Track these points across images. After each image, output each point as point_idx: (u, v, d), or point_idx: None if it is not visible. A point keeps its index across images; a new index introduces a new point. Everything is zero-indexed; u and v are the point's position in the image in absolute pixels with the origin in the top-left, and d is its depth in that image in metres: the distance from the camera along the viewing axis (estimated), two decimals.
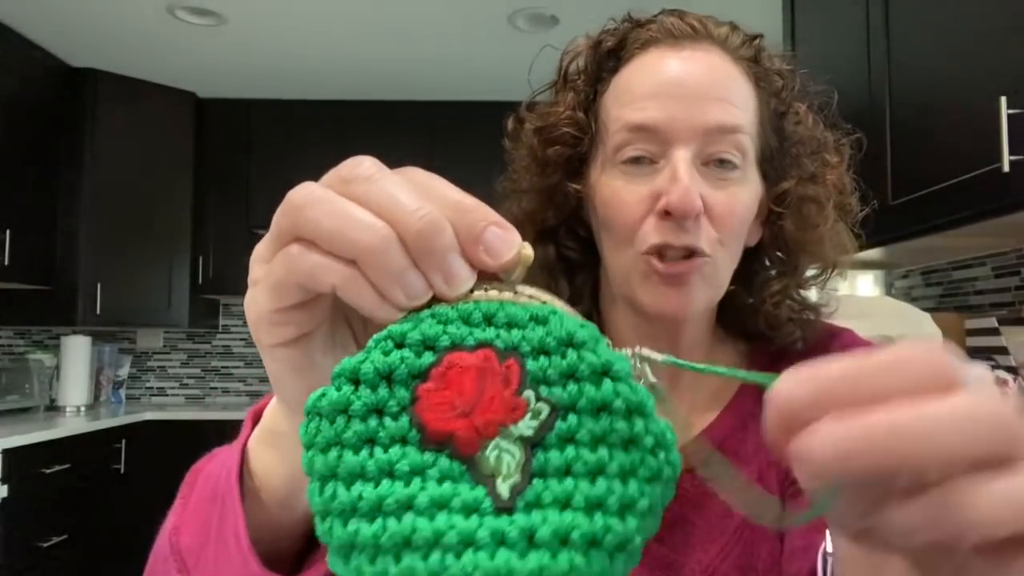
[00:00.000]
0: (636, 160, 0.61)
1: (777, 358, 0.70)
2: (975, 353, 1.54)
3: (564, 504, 0.25)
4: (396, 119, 3.83)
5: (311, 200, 0.29)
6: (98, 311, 3.46)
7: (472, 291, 0.28)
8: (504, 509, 0.25)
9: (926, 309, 1.58)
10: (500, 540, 0.24)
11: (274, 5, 2.96)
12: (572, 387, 0.26)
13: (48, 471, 2.75)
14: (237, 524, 0.38)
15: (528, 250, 0.29)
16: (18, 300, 3.43)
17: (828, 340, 0.70)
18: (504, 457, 0.26)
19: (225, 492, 0.39)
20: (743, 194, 0.62)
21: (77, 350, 3.45)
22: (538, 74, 0.73)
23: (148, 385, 4.11)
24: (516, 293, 0.28)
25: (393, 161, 0.35)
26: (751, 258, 0.68)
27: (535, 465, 0.26)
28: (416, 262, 0.27)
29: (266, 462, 0.39)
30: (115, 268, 3.52)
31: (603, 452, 0.25)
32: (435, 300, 0.28)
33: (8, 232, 3.03)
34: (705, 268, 0.61)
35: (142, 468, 3.36)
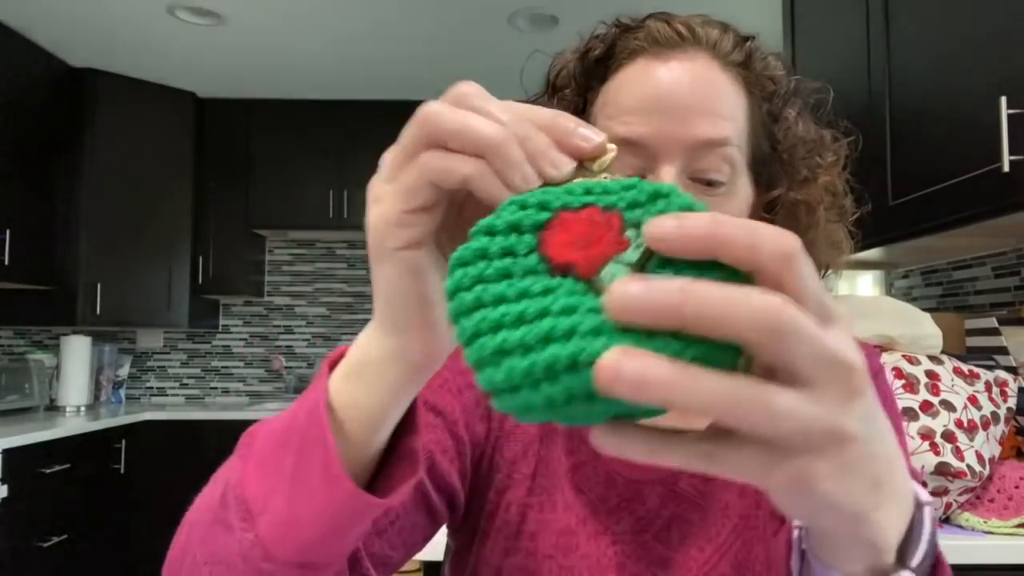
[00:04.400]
0: None
1: None
2: (975, 353, 1.54)
3: None
4: (396, 119, 3.82)
5: (437, 110, 0.35)
6: (98, 311, 3.46)
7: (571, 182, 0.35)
8: None
9: (926, 309, 1.58)
10: (622, 332, 0.29)
11: (274, 5, 2.96)
12: None
13: (48, 471, 2.75)
14: (327, 454, 0.39)
15: (613, 145, 0.36)
16: (18, 300, 3.43)
17: None
18: (619, 276, 0.30)
19: (305, 431, 0.40)
20: (731, 209, 0.61)
21: (77, 350, 3.46)
22: (530, 78, 0.72)
23: (148, 385, 4.11)
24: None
25: None
26: None
27: None
28: (527, 157, 0.34)
29: (354, 395, 0.41)
30: (115, 268, 3.52)
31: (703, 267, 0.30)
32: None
33: (8, 232, 3.03)
34: None
35: (142, 468, 3.37)
